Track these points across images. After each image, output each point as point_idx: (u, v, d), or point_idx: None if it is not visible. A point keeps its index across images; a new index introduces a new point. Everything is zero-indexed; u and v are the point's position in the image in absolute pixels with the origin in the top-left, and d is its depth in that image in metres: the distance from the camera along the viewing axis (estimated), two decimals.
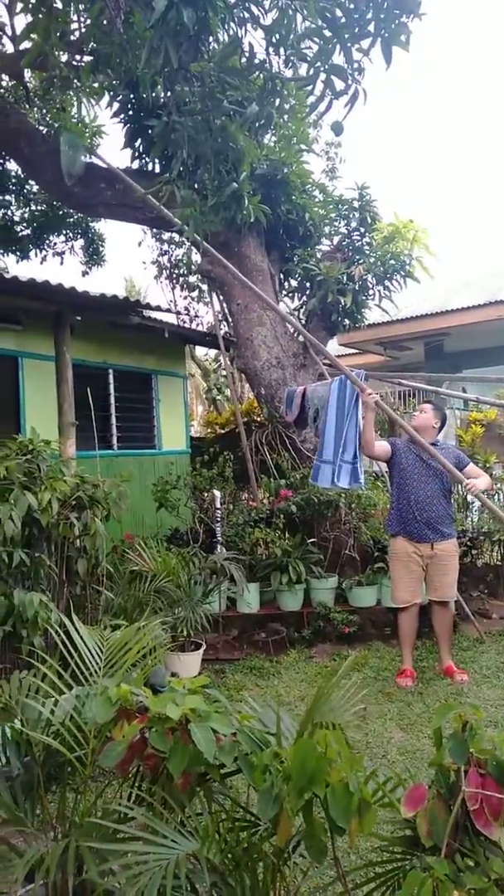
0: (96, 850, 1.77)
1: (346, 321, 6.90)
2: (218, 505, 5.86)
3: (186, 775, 1.67)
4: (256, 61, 3.93)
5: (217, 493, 5.91)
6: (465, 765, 1.35)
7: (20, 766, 2.16)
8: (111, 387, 7.20)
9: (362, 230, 6.97)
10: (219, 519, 5.80)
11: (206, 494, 6.12)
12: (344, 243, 7.06)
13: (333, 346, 12.05)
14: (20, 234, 9.50)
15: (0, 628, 3.18)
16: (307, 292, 7.10)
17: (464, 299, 11.72)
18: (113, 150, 37.95)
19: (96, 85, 6.25)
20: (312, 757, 1.32)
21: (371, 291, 6.83)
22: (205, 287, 11.66)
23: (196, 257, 10.32)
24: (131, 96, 6.28)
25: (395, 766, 3.26)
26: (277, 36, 3.77)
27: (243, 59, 4.09)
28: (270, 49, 3.85)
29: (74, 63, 6.38)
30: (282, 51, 3.86)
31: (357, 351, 13.16)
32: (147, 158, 6.65)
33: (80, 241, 9.84)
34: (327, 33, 3.52)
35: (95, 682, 2.24)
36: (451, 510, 4.75)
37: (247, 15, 3.77)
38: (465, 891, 1.21)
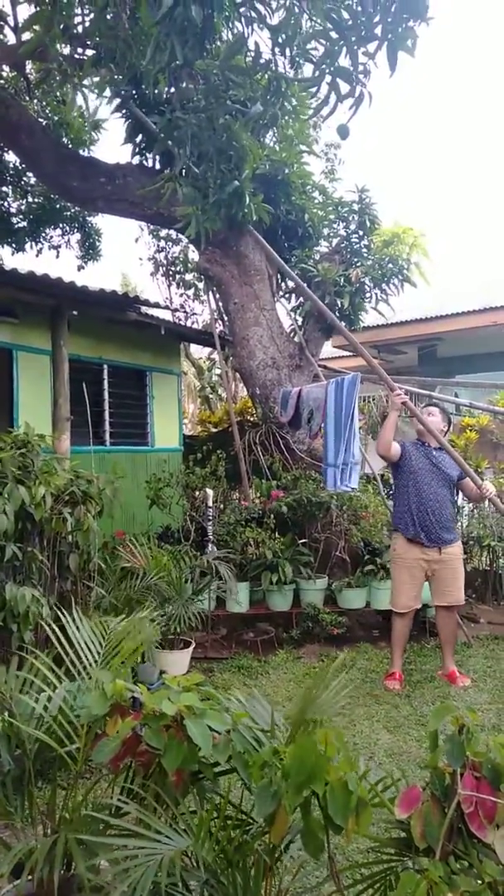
0: (86, 846, 1.76)
1: (343, 323, 6.91)
2: (210, 503, 5.86)
3: (180, 772, 1.67)
4: (262, 61, 3.94)
5: (209, 492, 5.90)
6: (461, 768, 1.35)
7: (10, 760, 2.15)
8: (105, 382, 7.18)
9: (361, 233, 6.98)
10: (210, 518, 5.79)
11: (198, 493, 6.11)
12: (342, 245, 7.07)
13: (328, 349, 12.07)
14: (16, 226, 9.45)
15: None
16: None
17: (458, 305, 11.78)
18: (113, 145, 37.86)
19: (97, 79, 6.24)
20: (312, 754, 1.33)
21: (368, 294, 6.85)
22: (201, 285, 11.65)
23: (193, 255, 10.32)
24: (133, 92, 6.27)
25: (382, 767, 3.27)
26: (283, 36, 3.78)
27: (248, 59, 4.10)
28: (276, 49, 3.86)
29: (76, 56, 6.37)
30: (287, 51, 3.88)
31: (351, 353, 13.19)
32: (148, 155, 6.64)
33: (77, 236, 9.81)
34: (334, 35, 3.53)
35: (87, 676, 2.24)
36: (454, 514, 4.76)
37: (253, 14, 3.77)
38: (459, 893, 1.21)
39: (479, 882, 1.26)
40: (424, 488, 4.46)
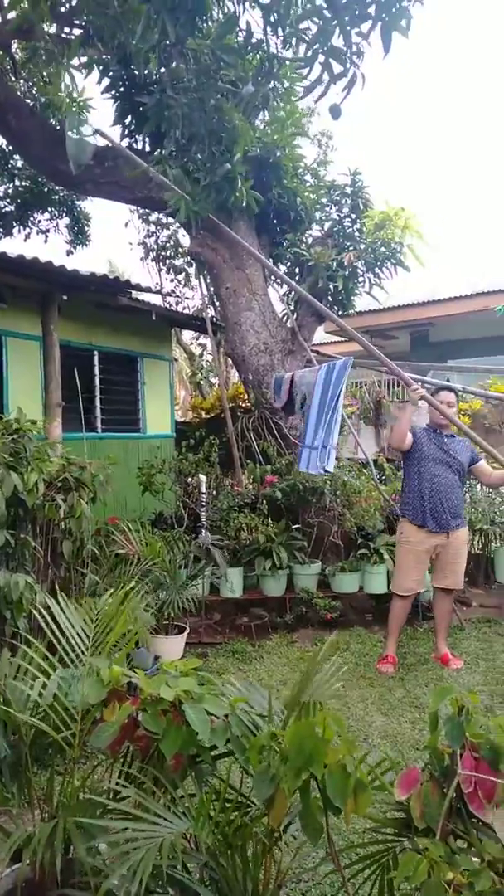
0: (85, 830, 1.77)
1: (336, 308, 6.88)
2: (203, 489, 5.85)
3: (178, 756, 1.67)
4: (254, 40, 3.88)
5: (202, 478, 5.89)
6: (461, 748, 1.36)
7: (6, 746, 2.15)
8: (96, 368, 7.13)
9: (353, 216, 6.93)
10: (204, 503, 5.79)
11: (191, 479, 6.10)
12: (335, 229, 7.02)
13: (321, 334, 12.04)
14: (3, 210, 9.32)
15: None
16: (297, 277, 7.07)
17: (451, 289, 11.77)
18: (100, 126, 37.28)
19: (85, 59, 6.12)
20: (311, 738, 1.33)
21: (361, 279, 6.81)
22: (191, 270, 11.55)
23: (184, 239, 10.22)
24: (123, 72, 6.16)
25: (377, 749, 3.30)
26: (276, 15, 3.72)
27: (240, 38, 4.03)
28: (268, 28, 3.80)
29: (63, 35, 6.24)
30: (280, 30, 3.81)
31: (343, 339, 13.17)
32: (137, 136, 6.54)
33: (66, 220, 9.69)
34: (327, 14, 3.47)
35: (82, 663, 2.23)
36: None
37: None
38: (460, 872, 1.22)
39: (479, 861, 1.27)
40: (435, 476, 4.45)
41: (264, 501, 5.76)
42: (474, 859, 1.29)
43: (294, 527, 5.78)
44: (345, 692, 4.04)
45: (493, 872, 1.23)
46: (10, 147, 8.20)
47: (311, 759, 1.30)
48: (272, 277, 7.20)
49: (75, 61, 6.04)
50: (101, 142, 6.29)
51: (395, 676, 4.33)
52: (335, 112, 3.81)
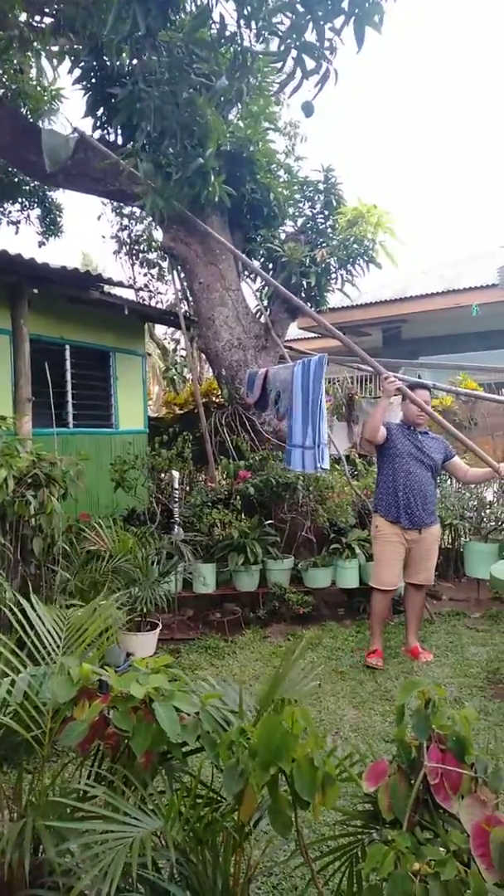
0: (55, 830, 1.75)
1: (309, 304, 6.89)
2: (176, 485, 5.83)
3: (149, 754, 1.67)
4: (227, 34, 3.85)
5: (175, 474, 5.87)
6: (427, 741, 1.38)
7: None
8: (67, 363, 7.04)
9: (326, 213, 6.94)
10: (177, 499, 5.77)
11: (164, 475, 6.07)
12: (308, 226, 7.03)
13: (294, 330, 12.06)
14: None
15: None
16: (270, 273, 7.06)
17: (422, 286, 11.88)
18: (73, 117, 36.75)
19: (56, 48, 6.03)
20: (279, 733, 1.34)
21: (333, 275, 6.83)
22: (165, 264, 11.45)
23: (157, 233, 10.15)
24: (94, 63, 6.08)
25: (348, 742, 3.33)
26: (249, 8, 3.70)
27: (213, 31, 4.00)
28: (241, 21, 3.78)
29: (34, 24, 6.14)
30: (253, 24, 3.79)
31: (316, 335, 13.22)
32: (109, 128, 6.46)
33: (37, 211, 9.54)
34: (300, 8, 3.46)
35: (52, 661, 2.21)
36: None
37: None
38: (426, 862, 1.24)
39: (445, 851, 1.29)
40: (410, 473, 4.48)
41: (237, 497, 5.77)
42: (440, 849, 1.32)
43: (267, 522, 5.80)
44: (317, 686, 4.07)
45: (458, 862, 1.26)
46: None
47: (279, 754, 1.31)
48: (245, 273, 7.19)
49: (47, 50, 5.95)
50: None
51: (365, 670, 4.37)
52: (308, 109, 3.80)
